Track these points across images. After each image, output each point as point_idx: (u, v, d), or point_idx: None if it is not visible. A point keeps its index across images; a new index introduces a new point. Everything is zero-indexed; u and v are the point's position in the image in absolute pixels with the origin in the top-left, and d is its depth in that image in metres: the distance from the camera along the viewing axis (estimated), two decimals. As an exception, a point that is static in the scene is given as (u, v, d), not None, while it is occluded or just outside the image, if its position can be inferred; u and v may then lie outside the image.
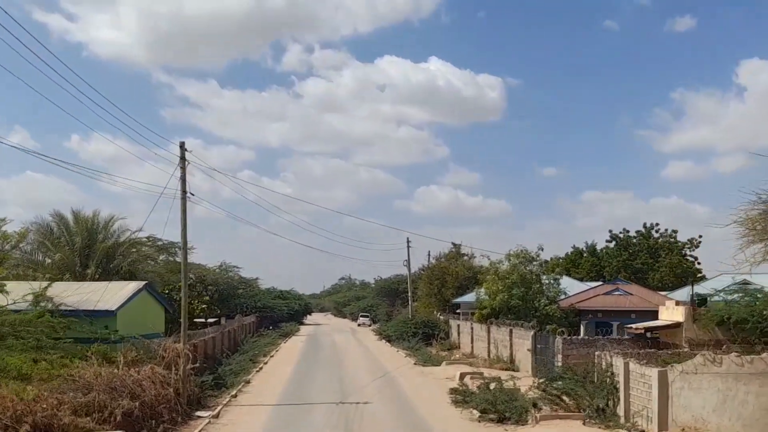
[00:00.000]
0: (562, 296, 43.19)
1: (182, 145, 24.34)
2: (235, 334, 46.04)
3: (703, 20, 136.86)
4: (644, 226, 79.26)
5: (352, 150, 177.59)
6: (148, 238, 72.13)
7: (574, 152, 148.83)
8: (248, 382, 31.04)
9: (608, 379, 22.04)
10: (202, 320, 40.08)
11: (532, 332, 33.89)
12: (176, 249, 74.86)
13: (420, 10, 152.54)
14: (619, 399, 21.36)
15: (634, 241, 78.72)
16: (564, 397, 22.68)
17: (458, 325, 52.68)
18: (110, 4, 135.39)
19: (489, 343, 42.49)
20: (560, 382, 24.04)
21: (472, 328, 47.39)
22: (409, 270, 61.12)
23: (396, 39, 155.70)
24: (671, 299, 35.07)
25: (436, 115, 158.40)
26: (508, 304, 40.46)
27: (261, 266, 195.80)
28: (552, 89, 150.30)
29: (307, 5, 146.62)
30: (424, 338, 53.61)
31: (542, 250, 41.76)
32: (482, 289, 47.52)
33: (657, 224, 78.67)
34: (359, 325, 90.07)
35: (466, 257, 75.20)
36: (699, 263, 75.01)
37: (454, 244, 76.15)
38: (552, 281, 42.65)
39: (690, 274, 65.19)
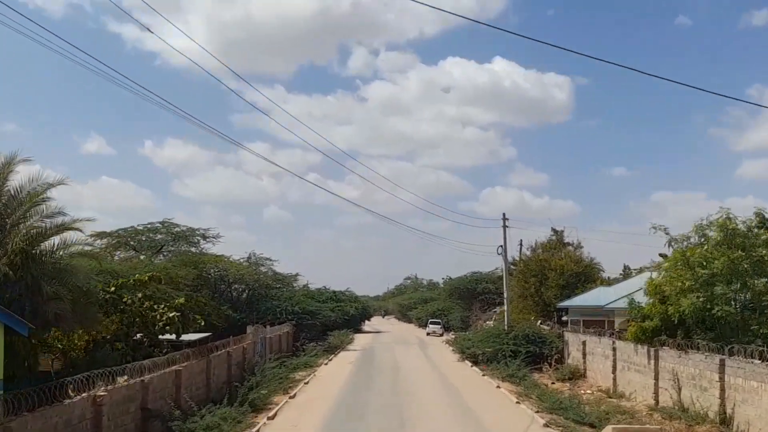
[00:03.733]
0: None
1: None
2: (240, 358, 29.57)
3: None
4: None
5: (418, 152, 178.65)
6: (162, 223, 57.82)
7: (644, 152, 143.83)
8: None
9: None
10: (174, 338, 23.45)
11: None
12: (198, 237, 59.73)
13: (487, 9, 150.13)
14: None
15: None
16: None
17: (583, 343, 34.90)
18: (181, 14, 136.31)
19: (657, 379, 24.87)
20: None
21: (614, 350, 29.68)
22: (506, 260, 43.13)
23: (461, 40, 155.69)
24: None
25: (501, 115, 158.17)
26: (705, 313, 22.57)
27: (326, 269, 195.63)
28: (621, 88, 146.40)
29: (372, 9, 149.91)
30: (528, 359, 36.31)
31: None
32: (631, 286, 33.70)
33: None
34: (428, 334, 72.85)
35: (570, 247, 57.22)
36: None
37: (555, 231, 58.29)
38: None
39: None
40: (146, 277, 22.99)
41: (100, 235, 51.43)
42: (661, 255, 73.39)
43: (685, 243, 24.12)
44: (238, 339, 31.07)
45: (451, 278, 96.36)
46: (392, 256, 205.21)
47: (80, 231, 19.99)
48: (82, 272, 20.35)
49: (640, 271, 71.06)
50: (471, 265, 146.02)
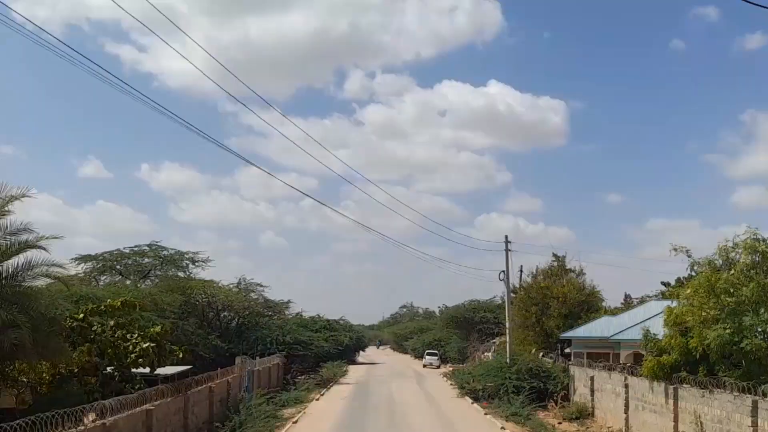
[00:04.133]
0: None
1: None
2: (224, 394, 27.33)
3: None
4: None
5: (414, 177, 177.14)
6: (149, 246, 55.56)
7: (638, 178, 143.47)
8: None
9: None
10: (148, 372, 21.20)
11: None
12: (186, 261, 57.56)
13: (483, 32, 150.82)
14: None
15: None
16: None
17: (591, 378, 32.72)
18: (179, 35, 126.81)
19: (676, 422, 22.73)
20: None
21: (627, 387, 27.54)
22: (508, 286, 40.87)
23: (457, 63, 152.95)
24: None
25: (497, 139, 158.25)
26: (732, 347, 20.54)
27: (321, 297, 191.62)
28: (617, 112, 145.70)
29: (369, 31, 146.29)
30: (533, 396, 34.13)
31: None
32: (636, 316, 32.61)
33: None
34: (425, 365, 70.40)
35: (573, 274, 55.15)
36: None
37: (557, 256, 56.18)
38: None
39: None
40: (118, 303, 20.92)
41: (85, 258, 49.39)
42: (663, 283, 71.51)
43: (706, 267, 22.07)
44: (222, 372, 28.84)
45: (447, 307, 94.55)
46: (388, 284, 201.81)
47: (44, 250, 18.07)
48: (46, 297, 18.37)
49: (642, 300, 69.25)
50: (468, 293, 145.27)
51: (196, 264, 52.52)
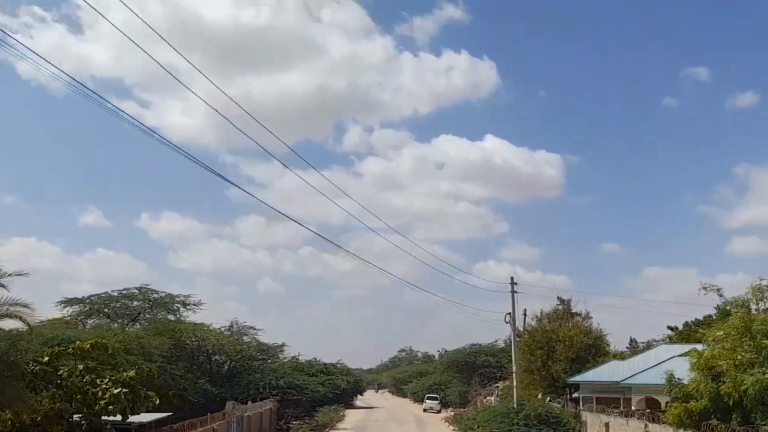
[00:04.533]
0: None
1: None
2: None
3: (765, 95, 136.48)
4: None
5: (412, 226, 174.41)
6: (139, 289, 53.56)
7: (635, 228, 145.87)
8: None
9: None
10: (120, 421, 18.91)
11: None
12: (177, 305, 55.41)
13: (479, 89, 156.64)
14: None
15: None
16: None
17: (605, 425, 30.42)
18: (182, 91, 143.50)
19: (708, 474, 20.49)
20: None
21: (648, 435, 25.32)
22: (514, 329, 38.63)
23: (454, 118, 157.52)
24: None
25: (494, 191, 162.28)
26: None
27: (319, 342, 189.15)
28: (612, 166, 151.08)
29: (368, 88, 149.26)
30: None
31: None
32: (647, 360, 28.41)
33: None
34: (425, 410, 67.55)
35: (578, 317, 53.05)
36: None
37: (562, 300, 54.11)
38: None
39: None
40: (87, 345, 18.81)
41: (71, 301, 47.24)
42: (669, 327, 69.10)
43: (740, 308, 20.10)
44: (208, 418, 26.56)
45: (447, 351, 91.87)
46: (386, 329, 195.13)
47: (3, 287, 16.13)
48: (5, 339, 16.36)
49: (649, 345, 66.95)
50: (467, 338, 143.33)
51: (188, 307, 50.31)
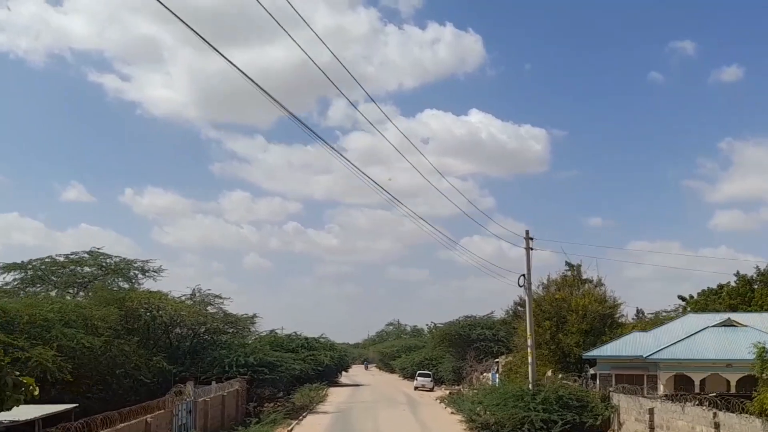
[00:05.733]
0: None
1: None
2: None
3: (750, 69, 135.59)
4: None
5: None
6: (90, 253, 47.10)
7: (619, 202, 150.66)
8: None
9: None
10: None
11: None
12: (135, 271, 48.91)
13: (465, 63, 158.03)
14: None
15: None
16: None
17: (649, 411, 24.30)
18: (162, 64, 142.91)
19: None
20: None
21: (717, 427, 19.17)
22: (530, 293, 32.10)
23: (439, 92, 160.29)
24: None
25: (479, 166, 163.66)
26: None
27: (306, 317, 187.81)
28: (597, 140, 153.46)
29: (353, 62, 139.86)
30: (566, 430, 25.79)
31: None
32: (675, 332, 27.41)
33: None
34: (416, 388, 61.75)
35: (590, 284, 46.94)
36: None
37: (570, 265, 47.86)
38: None
39: None
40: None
41: (9, 267, 40.57)
42: (680, 297, 63.45)
43: None
44: (140, 408, 20.16)
45: (436, 325, 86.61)
46: (372, 303, 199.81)
47: None
48: None
49: (657, 316, 61.38)
50: (456, 312, 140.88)
51: (147, 274, 43.72)
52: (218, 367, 37.12)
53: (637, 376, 36.03)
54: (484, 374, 62.20)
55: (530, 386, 30.02)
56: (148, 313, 37.14)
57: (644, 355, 34.83)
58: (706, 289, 60.14)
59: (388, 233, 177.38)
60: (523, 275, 30.37)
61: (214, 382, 34.95)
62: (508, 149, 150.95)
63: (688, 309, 56.20)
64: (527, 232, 31.45)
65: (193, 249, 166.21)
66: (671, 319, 50.68)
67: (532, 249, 30.55)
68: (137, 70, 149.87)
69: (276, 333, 62.06)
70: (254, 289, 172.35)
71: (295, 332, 66.40)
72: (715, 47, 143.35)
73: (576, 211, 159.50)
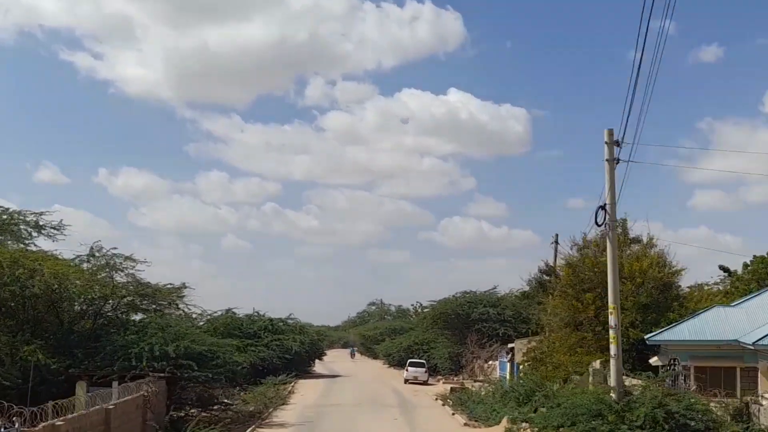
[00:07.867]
0: None
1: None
2: None
3: (729, 49, 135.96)
4: None
5: (377, 182, 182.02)
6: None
7: (600, 184, 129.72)
8: None
9: None
10: None
11: None
12: (26, 229, 36.11)
13: (445, 42, 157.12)
14: None
15: None
16: None
17: None
18: (135, 42, 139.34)
19: None
20: None
21: None
22: (613, 226, 19.29)
23: (418, 72, 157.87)
24: None
25: (460, 146, 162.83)
26: None
27: (285, 300, 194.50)
28: (577, 120, 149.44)
29: (330, 40, 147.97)
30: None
31: None
32: None
33: None
34: (408, 380, 49.90)
35: (640, 244, 35.03)
36: None
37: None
38: None
39: None
40: None
41: None
42: (721, 267, 52.18)
43: None
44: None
45: (422, 305, 74.93)
46: (352, 285, 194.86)
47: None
48: None
49: (702, 288, 50.20)
50: (442, 293, 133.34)
51: (43, 231, 30.99)
52: (122, 360, 24.94)
53: (727, 369, 25.95)
54: (489, 362, 50.94)
55: (612, 394, 18.07)
56: (17, 282, 24.74)
57: (742, 340, 24.23)
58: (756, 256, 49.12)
59: (369, 214, 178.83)
60: (602, 207, 18.39)
61: (115, 383, 23.25)
62: (489, 129, 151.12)
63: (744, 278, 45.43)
64: (610, 133, 19.26)
65: (170, 231, 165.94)
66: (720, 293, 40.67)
67: (618, 161, 18.45)
68: (109, 48, 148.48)
69: (234, 313, 50.34)
70: (233, 271, 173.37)
71: (257, 312, 54.62)
72: (694, 26, 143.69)
73: (557, 191, 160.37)
